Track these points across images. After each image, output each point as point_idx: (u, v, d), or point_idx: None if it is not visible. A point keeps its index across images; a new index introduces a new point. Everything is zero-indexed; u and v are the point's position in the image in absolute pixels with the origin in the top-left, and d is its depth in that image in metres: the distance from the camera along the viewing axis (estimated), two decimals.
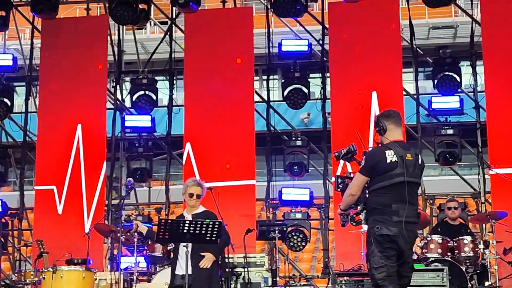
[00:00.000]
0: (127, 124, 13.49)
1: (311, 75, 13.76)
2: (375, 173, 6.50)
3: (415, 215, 6.55)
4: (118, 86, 14.64)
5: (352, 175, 6.86)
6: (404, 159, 6.48)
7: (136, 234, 9.09)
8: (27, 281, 10.57)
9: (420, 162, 6.67)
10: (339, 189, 6.92)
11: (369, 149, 6.82)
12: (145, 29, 23.07)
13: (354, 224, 6.76)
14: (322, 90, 13.56)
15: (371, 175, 6.52)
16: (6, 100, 13.75)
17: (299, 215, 12.40)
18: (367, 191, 6.63)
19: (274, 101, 14.50)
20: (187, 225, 7.33)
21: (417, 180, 6.65)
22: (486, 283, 9.81)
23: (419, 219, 6.69)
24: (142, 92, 13.57)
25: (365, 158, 6.53)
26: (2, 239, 12.73)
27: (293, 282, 12.08)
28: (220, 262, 9.29)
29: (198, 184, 8.13)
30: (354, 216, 6.71)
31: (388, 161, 6.47)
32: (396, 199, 6.44)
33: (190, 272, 7.50)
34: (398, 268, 6.48)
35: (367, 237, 6.55)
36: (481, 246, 9.82)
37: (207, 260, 7.80)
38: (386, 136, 6.63)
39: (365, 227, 10.40)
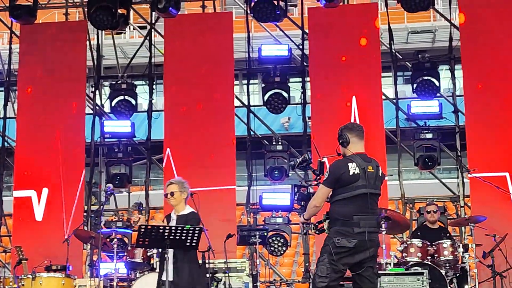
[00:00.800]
0: (106, 129, 13.44)
1: (291, 80, 13.78)
2: (339, 185, 6.68)
3: (375, 225, 6.77)
4: (97, 91, 14.57)
5: (306, 184, 7.04)
6: (366, 171, 6.69)
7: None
8: None
9: (380, 174, 6.88)
10: (295, 198, 7.11)
11: (326, 160, 7.01)
12: (124, 33, 23.00)
13: (317, 232, 6.96)
14: (302, 95, 13.59)
15: (335, 186, 6.71)
16: None
17: (279, 220, 12.41)
18: (329, 202, 6.79)
19: (254, 105, 14.51)
20: (167, 231, 7.30)
21: (378, 191, 6.85)
22: (466, 287, 9.85)
23: (379, 228, 6.87)
24: (121, 97, 13.52)
25: (329, 170, 6.74)
26: None
27: (274, 287, 12.09)
28: (200, 266, 9.29)
29: (171, 182, 8.07)
30: (317, 224, 6.90)
31: (351, 173, 6.65)
32: (358, 210, 6.63)
33: (171, 278, 7.49)
34: (362, 273, 6.68)
35: (324, 244, 6.73)
36: (461, 249, 9.87)
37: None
38: (349, 149, 6.82)
39: None
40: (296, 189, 7.17)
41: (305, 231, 7.19)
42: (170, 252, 7.50)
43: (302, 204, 7.07)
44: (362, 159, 6.74)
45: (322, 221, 6.82)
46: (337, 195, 6.70)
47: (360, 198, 6.64)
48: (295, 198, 7.21)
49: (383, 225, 9.36)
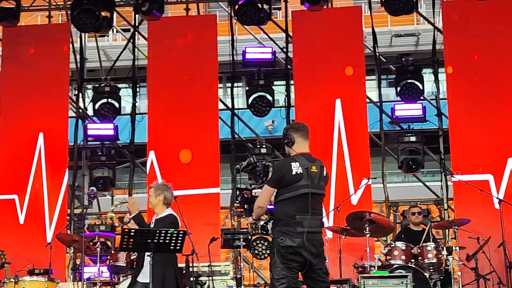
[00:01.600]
0: (89, 132, 13.41)
1: (275, 83, 13.78)
2: (282, 184, 6.68)
3: (318, 225, 6.75)
4: (80, 94, 14.50)
5: (250, 187, 7.07)
6: (309, 171, 6.69)
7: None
8: None
9: (325, 175, 6.87)
10: (237, 201, 7.14)
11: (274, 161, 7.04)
12: (108, 36, 22.92)
13: (264, 233, 7.04)
14: (286, 98, 13.59)
15: (278, 186, 6.70)
16: None
17: (263, 223, 12.36)
18: (273, 202, 6.79)
19: (238, 108, 14.49)
20: (151, 234, 7.26)
21: (322, 191, 6.83)
22: None
23: (322, 228, 6.87)
24: (104, 100, 13.49)
25: (272, 170, 6.72)
26: None
27: None
28: (184, 271, 9.25)
29: (150, 186, 8.15)
30: (264, 225, 6.96)
31: (294, 172, 6.65)
32: (300, 210, 6.61)
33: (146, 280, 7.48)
34: (311, 275, 6.66)
35: (271, 247, 6.73)
36: (444, 252, 9.87)
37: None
38: (294, 148, 6.85)
39: (329, 234, 10.50)
40: (238, 192, 7.18)
41: (253, 232, 7.22)
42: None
43: (245, 207, 7.09)
44: (306, 159, 6.75)
45: (267, 221, 6.86)
46: (280, 195, 6.69)
47: (303, 197, 6.61)
48: (237, 201, 7.20)
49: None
